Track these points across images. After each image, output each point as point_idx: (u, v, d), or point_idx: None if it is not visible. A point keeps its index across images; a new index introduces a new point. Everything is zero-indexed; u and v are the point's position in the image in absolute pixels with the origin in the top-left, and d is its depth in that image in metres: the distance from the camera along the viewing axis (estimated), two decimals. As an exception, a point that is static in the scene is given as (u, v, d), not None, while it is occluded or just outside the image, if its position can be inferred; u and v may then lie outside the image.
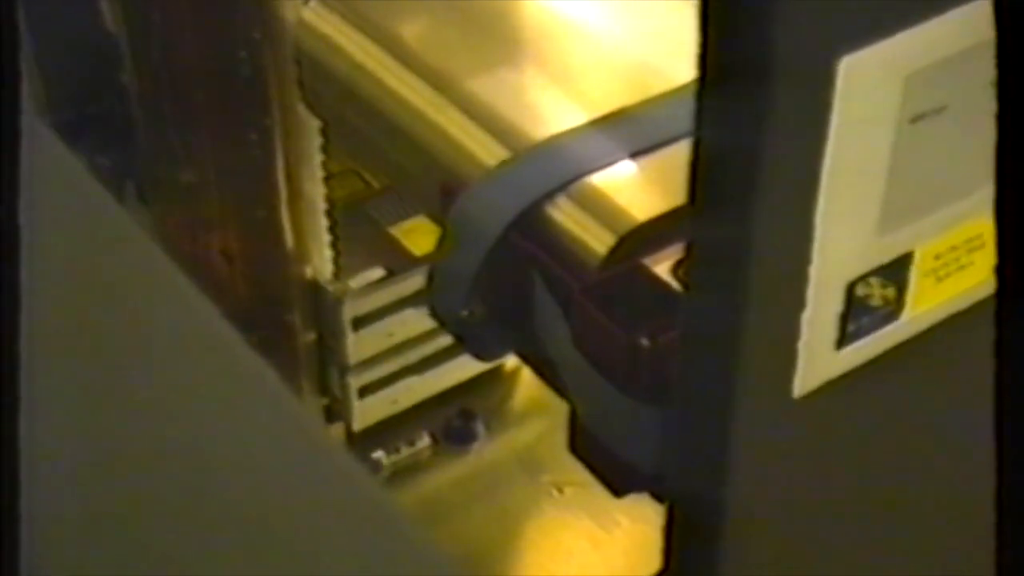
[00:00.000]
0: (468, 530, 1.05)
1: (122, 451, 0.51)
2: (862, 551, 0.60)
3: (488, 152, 0.75)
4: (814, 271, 0.48)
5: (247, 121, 0.92)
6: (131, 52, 0.95)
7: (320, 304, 0.99)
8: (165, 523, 0.49)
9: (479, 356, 0.83)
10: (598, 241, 0.68)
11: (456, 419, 1.10)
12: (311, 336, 1.01)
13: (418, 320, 0.99)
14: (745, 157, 0.45)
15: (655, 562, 0.57)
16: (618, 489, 0.70)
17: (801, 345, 0.50)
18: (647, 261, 0.66)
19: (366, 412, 1.03)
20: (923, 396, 0.58)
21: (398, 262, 1.00)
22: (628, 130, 0.73)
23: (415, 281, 0.98)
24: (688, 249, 0.51)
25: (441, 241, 0.75)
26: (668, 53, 0.78)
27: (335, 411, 1.05)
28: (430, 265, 0.79)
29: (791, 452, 0.55)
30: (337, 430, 1.04)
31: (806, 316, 0.49)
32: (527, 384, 1.13)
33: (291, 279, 0.98)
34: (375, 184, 1.04)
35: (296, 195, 0.95)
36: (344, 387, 1.02)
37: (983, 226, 0.52)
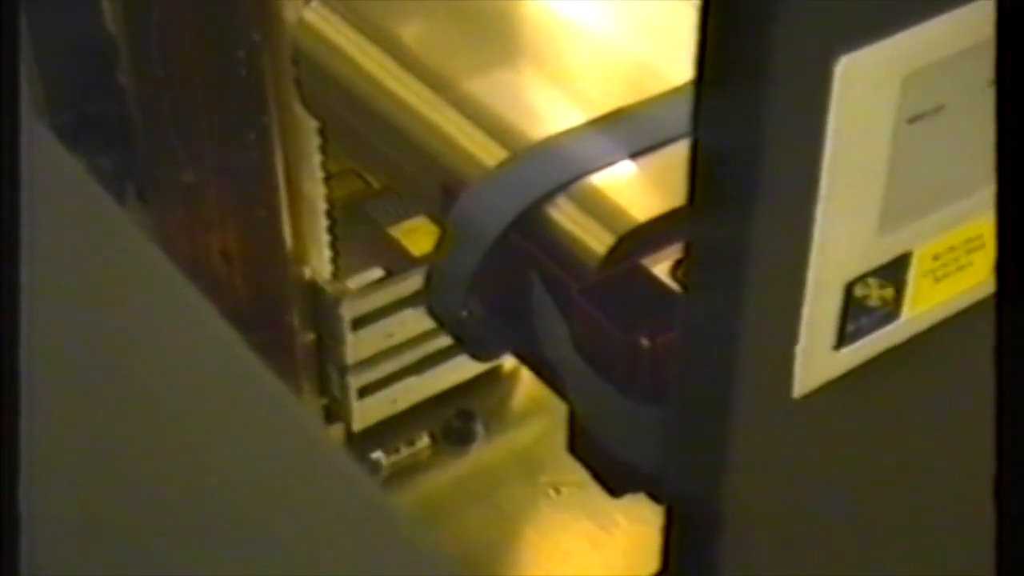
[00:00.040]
0: (467, 530, 1.05)
1: (121, 452, 0.51)
2: (861, 552, 0.61)
3: (487, 152, 0.75)
4: (813, 271, 0.48)
5: (246, 121, 0.92)
6: (130, 52, 0.95)
7: (319, 304, 0.99)
8: (164, 523, 0.49)
9: (478, 356, 0.83)
10: (597, 241, 0.68)
11: (455, 419, 1.10)
12: (310, 336, 1.01)
13: (417, 320, 0.99)
14: (743, 157, 0.45)
15: (654, 563, 0.57)
16: (617, 489, 0.70)
17: (800, 346, 0.50)
18: (646, 261, 0.66)
19: (365, 412, 1.03)
20: (922, 397, 0.58)
21: (397, 262, 1.00)
22: (627, 130, 0.73)
23: (414, 281, 0.98)
24: (687, 249, 0.51)
25: (440, 241, 0.75)
26: (667, 53, 0.78)
27: (334, 411, 1.05)
28: (429, 265, 0.79)
29: (790, 453, 0.55)
30: (336, 430, 1.04)
31: (805, 317, 0.49)
32: (526, 384, 1.13)
33: (290, 279, 0.98)
34: (374, 184, 1.05)
35: (295, 195, 0.95)
36: (343, 387, 1.02)
37: (982, 227, 0.52)
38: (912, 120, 0.47)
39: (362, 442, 1.06)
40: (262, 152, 0.93)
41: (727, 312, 0.49)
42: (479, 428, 1.11)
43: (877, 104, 0.46)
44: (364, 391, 1.02)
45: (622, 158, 0.72)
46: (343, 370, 1.01)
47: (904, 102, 0.46)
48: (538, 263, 0.70)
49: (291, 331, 1.00)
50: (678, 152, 0.64)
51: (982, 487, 0.39)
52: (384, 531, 0.52)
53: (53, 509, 0.45)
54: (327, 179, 0.95)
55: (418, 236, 1.01)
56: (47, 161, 0.59)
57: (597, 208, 0.70)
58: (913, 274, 0.52)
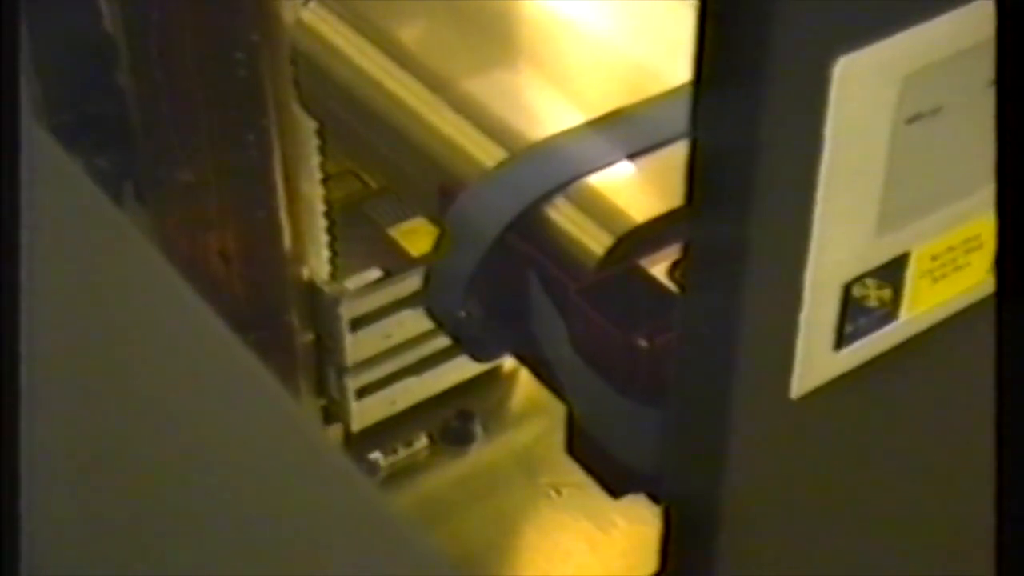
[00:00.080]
0: (466, 531, 1.05)
1: (120, 452, 0.51)
2: (860, 552, 0.61)
3: (486, 153, 0.75)
4: (811, 272, 0.48)
5: (245, 122, 0.92)
6: (129, 53, 0.95)
7: (318, 305, 0.99)
8: (163, 523, 0.49)
9: (476, 357, 0.83)
10: (595, 242, 0.68)
11: (454, 420, 1.10)
12: (309, 337, 1.01)
13: (416, 321, 0.99)
14: (742, 158, 0.45)
15: (652, 563, 0.57)
16: (615, 490, 0.70)
17: (798, 346, 0.50)
18: (644, 262, 0.66)
19: (364, 413, 1.03)
20: (921, 397, 0.58)
21: (396, 263, 1.00)
22: (625, 131, 0.73)
23: (413, 282, 0.98)
24: (685, 250, 0.52)
25: (439, 242, 0.75)
26: (665, 54, 0.78)
27: (333, 412, 1.05)
28: (428, 266, 0.79)
29: (788, 453, 0.55)
30: (335, 431, 1.04)
31: (803, 317, 0.49)
32: (525, 385, 1.13)
33: (289, 280, 0.98)
34: (373, 185, 1.05)
35: (294, 196, 0.95)
36: (342, 388, 1.02)
37: (980, 227, 0.52)
38: (910, 121, 0.47)
39: (361, 443, 1.06)
40: (261, 153, 0.93)
41: (725, 313, 0.49)
42: (478, 429, 1.11)
43: (875, 105, 0.46)
44: (363, 392, 1.02)
45: (620, 159, 0.72)
46: (342, 371, 1.01)
47: (902, 103, 0.46)
48: (536, 264, 0.70)
49: (290, 332, 1.00)
50: (676, 153, 0.64)
51: (981, 487, 0.39)
52: (382, 532, 0.52)
53: (53, 509, 0.45)
54: (326, 180, 0.95)
55: (417, 237, 1.01)
56: (45, 162, 0.59)
57: (595, 209, 0.70)
58: (911, 274, 0.52)
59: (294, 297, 0.99)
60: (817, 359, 0.51)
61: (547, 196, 0.71)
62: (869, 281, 0.51)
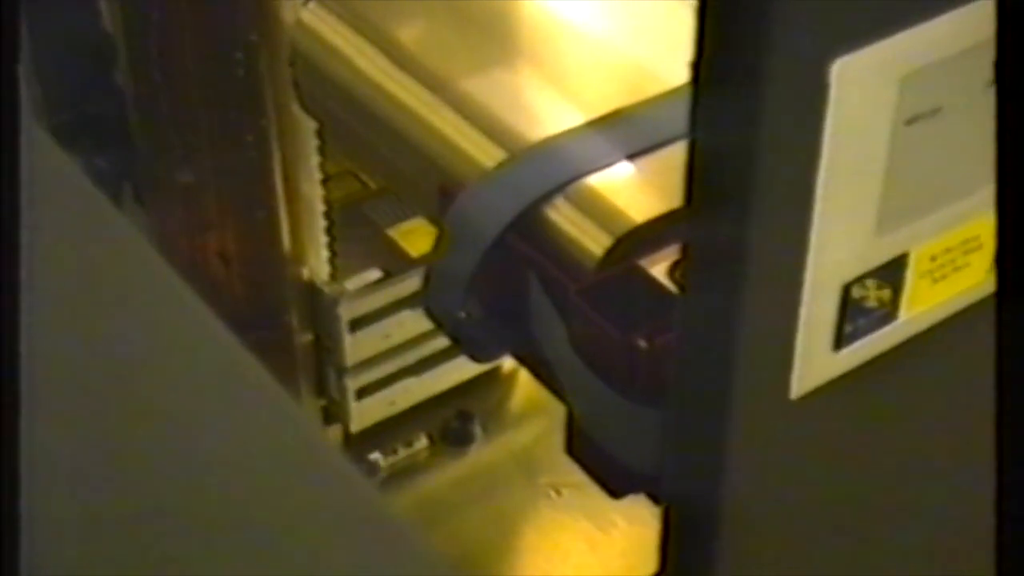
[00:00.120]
0: (465, 531, 1.05)
1: (120, 452, 0.51)
2: (859, 552, 0.61)
3: (485, 154, 0.75)
4: (810, 273, 0.48)
5: (244, 122, 0.92)
6: (128, 53, 0.95)
7: (317, 305, 0.99)
8: (162, 524, 0.49)
9: (476, 358, 0.83)
10: (595, 242, 0.68)
11: (453, 420, 1.10)
12: (308, 337, 1.01)
13: (415, 322, 0.99)
14: (741, 158, 0.45)
15: (652, 564, 0.57)
16: (615, 491, 0.70)
17: (797, 347, 0.50)
18: (644, 263, 0.66)
19: (363, 413, 1.03)
20: (920, 398, 0.58)
21: (395, 263, 1.00)
22: (625, 132, 0.73)
23: (412, 282, 0.98)
24: (685, 251, 0.52)
25: (438, 242, 0.75)
26: (664, 54, 0.78)
27: (332, 412, 1.05)
28: (427, 266, 0.79)
29: (788, 454, 0.55)
30: (334, 431, 1.04)
31: (802, 318, 0.49)
32: (524, 386, 1.13)
33: (288, 280, 0.98)
34: (372, 185, 1.05)
35: (293, 196, 0.95)
36: (341, 388, 1.02)
37: (979, 227, 0.52)
38: (909, 121, 0.47)
39: (360, 443, 1.06)
40: (260, 153, 0.93)
41: (725, 313, 0.49)
42: (477, 429, 1.11)
43: (874, 105, 0.46)
44: (362, 392, 1.02)
45: (620, 159, 0.72)
46: (341, 371, 1.01)
47: (901, 103, 0.46)
48: (536, 264, 0.70)
49: (289, 332, 1.00)
50: (676, 153, 0.64)
51: (981, 488, 0.39)
52: (382, 532, 0.52)
53: (53, 509, 0.45)
54: (325, 180, 0.95)
55: (416, 237, 1.01)
56: (43, 162, 0.59)
57: (595, 209, 0.70)
58: (910, 275, 0.52)
59: (293, 297, 0.99)
60: (816, 359, 0.51)
61: (547, 196, 0.71)
62: (868, 281, 0.51)
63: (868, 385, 0.54)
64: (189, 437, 0.52)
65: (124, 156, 1.01)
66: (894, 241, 0.50)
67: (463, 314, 0.75)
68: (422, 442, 1.10)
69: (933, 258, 0.52)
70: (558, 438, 0.72)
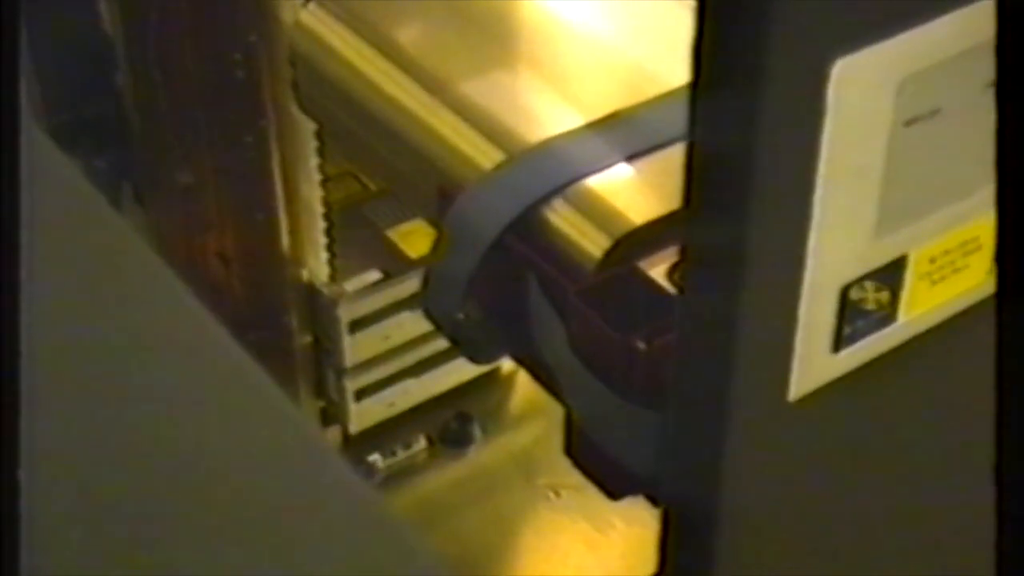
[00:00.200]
0: (464, 533, 1.05)
1: (119, 453, 0.51)
2: (858, 554, 0.61)
3: (484, 155, 0.75)
4: (809, 275, 0.48)
5: (243, 123, 0.92)
6: (127, 54, 0.95)
7: (316, 307, 0.99)
8: (162, 524, 0.49)
9: (475, 359, 0.83)
10: (594, 244, 0.68)
11: (452, 422, 1.10)
12: (307, 339, 1.01)
13: (415, 323, 0.99)
14: (740, 160, 0.45)
15: (650, 565, 0.57)
16: (614, 492, 0.70)
17: (796, 349, 0.50)
18: (643, 264, 0.66)
19: (362, 415, 1.03)
20: (919, 400, 0.58)
21: (394, 265, 1.00)
22: (624, 133, 0.73)
23: (411, 284, 0.98)
24: (683, 252, 0.52)
25: (437, 244, 0.75)
26: (663, 56, 0.78)
27: (331, 414, 1.05)
28: (426, 268, 0.79)
29: (786, 456, 0.55)
30: (333, 433, 1.04)
31: (801, 320, 0.49)
32: (523, 387, 1.13)
33: (287, 281, 0.98)
34: (372, 187, 1.05)
35: (292, 197, 0.95)
36: (340, 390, 1.02)
37: (978, 229, 0.52)
38: (908, 123, 0.47)
39: (359, 444, 1.06)
40: (259, 154, 0.93)
41: (723, 315, 0.49)
42: (476, 431, 1.11)
43: (873, 107, 0.46)
44: (361, 393, 1.02)
45: (619, 161, 0.72)
46: (340, 372, 1.01)
47: (900, 105, 0.46)
48: (535, 266, 0.70)
49: (288, 333, 1.00)
50: (675, 155, 0.64)
51: (980, 489, 0.39)
52: (380, 534, 0.52)
53: (53, 509, 0.45)
54: (324, 181, 0.95)
55: (415, 238, 1.01)
56: (42, 163, 0.59)
57: (594, 211, 0.70)
58: (909, 277, 0.52)
59: (293, 299, 0.99)
60: (815, 361, 0.51)
61: (546, 198, 0.71)
62: (867, 283, 0.51)
63: (867, 387, 0.54)
64: (188, 438, 0.52)
65: (123, 157, 1.01)
66: (893, 243, 0.50)
67: (462, 315, 0.75)
68: (421, 443, 1.10)
69: (932, 260, 0.52)
70: (557, 439, 0.72)
